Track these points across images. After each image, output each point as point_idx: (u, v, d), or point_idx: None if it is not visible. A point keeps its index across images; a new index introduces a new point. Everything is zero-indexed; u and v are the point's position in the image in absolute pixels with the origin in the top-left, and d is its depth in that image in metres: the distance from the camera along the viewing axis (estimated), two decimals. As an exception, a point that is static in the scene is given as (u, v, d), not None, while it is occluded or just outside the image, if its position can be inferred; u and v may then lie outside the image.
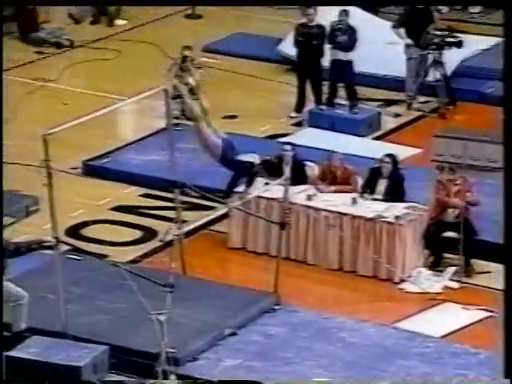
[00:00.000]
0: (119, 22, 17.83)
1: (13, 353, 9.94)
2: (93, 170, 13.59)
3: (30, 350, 9.95)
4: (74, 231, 12.33)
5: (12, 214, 12.28)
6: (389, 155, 12.19)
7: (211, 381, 9.77)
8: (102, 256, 11.85)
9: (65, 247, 11.25)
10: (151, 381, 9.75)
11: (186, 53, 15.06)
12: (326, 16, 15.02)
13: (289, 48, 15.51)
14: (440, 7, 17.44)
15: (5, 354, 9.93)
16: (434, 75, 15.03)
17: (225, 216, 12.07)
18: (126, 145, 14.02)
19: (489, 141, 11.45)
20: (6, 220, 11.89)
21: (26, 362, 9.86)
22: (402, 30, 15.39)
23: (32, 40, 16.99)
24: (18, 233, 11.88)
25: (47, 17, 17.62)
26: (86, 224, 12.51)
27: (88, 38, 17.22)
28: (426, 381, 9.88)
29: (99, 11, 17.85)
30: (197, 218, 11.60)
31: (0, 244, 10.15)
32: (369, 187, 12.08)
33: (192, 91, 14.92)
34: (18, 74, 16.08)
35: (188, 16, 18.18)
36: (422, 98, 15.30)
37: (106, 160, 13.72)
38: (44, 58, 16.66)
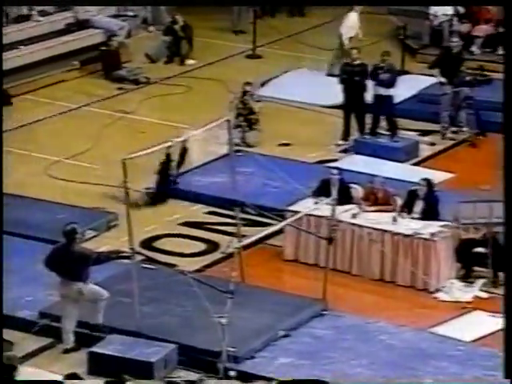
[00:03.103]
0: (189, 61, 17.89)
1: (94, 349, 9.97)
2: (165, 190, 13.59)
3: (109, 347, 9.98)
4: (148, 243, 12.33)
5: (95, 228, 12.33)
6: (425, 179, 12.06)
7: (270, 378, 9.69)
8: (172, 265, 11.83)
9: (139, 257, 11.27)
10: (213, 381, 9.70)
11: (247, 88, 15.06)
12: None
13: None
14: (472, 49, 17.29)
15: (88, 349, 9.97)
16: (465, 109, 14.91)
17: (280, 231, 11.99)
18: (194, 168, 14.02)
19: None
20: (90, 233, 11.95)
21: (105, 357, 9.89)
22: (436, 70, 15.33)
23: (114, 77, 17.11)
24: (100, 244, 11.93)
25: (128, 57, 17.74)
26: (158, 237, 12.51)
27: (162, 75, 17.30)
28: (452, 380, 9.70)
29: (172, 52, 17.95)
30: (255, 233, 11.54)
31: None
32: (407, 207, 11.94)
33: (251, 121, 14.96)
34: (101, 107, 16.20)
35: (249, 56, 18.19)
36: (454, 129, 15.16)
37: (176, 182, 13.71)
38: (124, 93, 16.75)
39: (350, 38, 16.55)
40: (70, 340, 10.21)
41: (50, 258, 10.36)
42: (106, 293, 10.25)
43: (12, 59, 16.64)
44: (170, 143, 10.71)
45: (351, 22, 16.65)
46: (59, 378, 9.34)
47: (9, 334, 10.46)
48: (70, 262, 10.19)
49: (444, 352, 10.25)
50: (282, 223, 11.57)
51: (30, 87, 16.55)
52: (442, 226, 11.64)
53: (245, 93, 14.99)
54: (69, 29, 17.84)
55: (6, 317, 10.61)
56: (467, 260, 11.62)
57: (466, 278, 11.57)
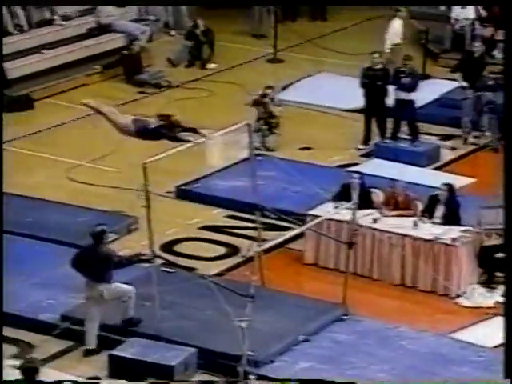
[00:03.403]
0: (210, 65, 17.90)
1: (115, 352, 9.98)
2: (185, 194, 13.60)
3: (129, 350, 9.98)
4: (168, 247, 12.33)
5: (116, 231, 12.34)
6: (446, 184, 11.99)
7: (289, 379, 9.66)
8: (192, 269, 11.82)
9: (160, 261, 11.27)
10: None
11: (268, 91, 15.05)
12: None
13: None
14: (495, 53, 17.20)
15: (109, 352, 9.99)
16: (487, 113, 14.83)
17: (300, 235, 11.96)
18: (214, 172, 14.02)
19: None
20: (111, 236, 11.97)
21: (126, 360, 9.89)
22: (458, 74, 15.27)
23: (135, 81, 17.14)
24: (120, 248, 11.94)
25: (149, 61, 17.78)
26: (178, 241, 12.51)
27: (183, 79, 17.32)
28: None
29: (193, 56, 17.96)
30: (275, 237, 11.51)
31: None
32: (428, 212, 11.88)
33: (271, 125, 14.94)
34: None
35: (270, 60, 18.18)
36: (476, 134, 15.08)
37: (196, 185, 13.73)
38: (145, 97, 16.78)
39: (394, 44, 16.45)
40: (92, 342, 10.24)
41: (77, 258, 10.41)
42: (133, 289, 10.27)
43: (34, 63, 16.73)
44: (189, 145, 10.70)
45: (395, 29, 16.58)
46: (80, 380, 9.35)
47: (30, 337, 10.49)
48: (96, 264, 10.24)
49: (465, 358, 10.18)
50: (303, 227, 11.54)
51: (51, 91, 16.61)
52: (463, 231, 11.57)
53: (265, 96, 14.97)
54: (91, 33, 17.91)
55: (28, 319, 10.66)
56: (489, 265, 11.54)
57: (488, 283, 11.49)
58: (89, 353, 10.24)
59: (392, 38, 16.48)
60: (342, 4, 18.68)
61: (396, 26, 16.62)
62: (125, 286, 10.33)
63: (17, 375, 8.17)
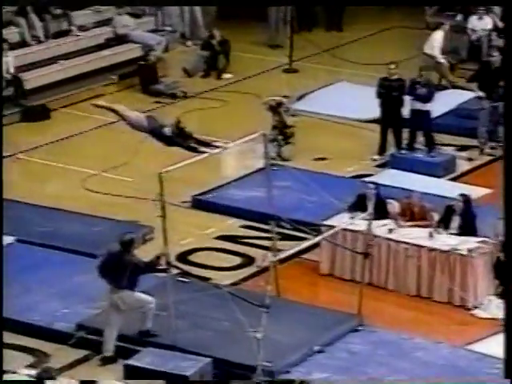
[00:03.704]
0: (226, 75, 17.93)
1: (130, 361, 9.98)
2: (200, 203, 13.61)
3: (144, 360, 9.97)
4: (183, 257, 12.33)
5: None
6: (462, 195, 11.94)
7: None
8: (207, 279, 11.81)
9: (175, 271, 11.27)
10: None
11: (283, 101, 15.05)
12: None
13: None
14: None
15: (124, 362, 9.98)
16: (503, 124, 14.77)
17: (315, 246, 11.94)
18: (229, 182, 14.02)
19: None
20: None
21: (141, 370, 9.88)
22: (475, 85, 15.23)
23: (151, 91, 17.19)
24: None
25: (165, 71, 17.83)
26: (193, 251, 12.50)
27: (199, 89, 17.35)
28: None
29: (209, 66, 18.00)
30: (290, 247, 11.49)
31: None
32: (444, 223, 11.83)
33: (286, 135, 14.92)
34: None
35: (286, 70, 18.19)
36: (492, 144, 15.02)
37: (211, 195, 13.73)
38: (161, 107, 16.82)
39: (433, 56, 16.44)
40: (110, 349, 10.24)
41: (103, 264, 10.45)
42: (153, 299, 10.27)
43: (51, 74, 16.80)
44: (205, 155, 10.71)
45: (437, 41, 16.56)
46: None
47: (45, 346, 10.50)
48: (121, 271, 10.24)
49: (481, 370, 10.11)
50: (318, 238, 11.51)
51: (68, 101, 16.67)
52: (479, 242, 11.52)
53: (280, 106, 14.98)
54: (107, 43, 17.98)
55: (43, 329, 10.68)
56: (506, 276, 11.46)
57: (505, 294, 11.40)
58: (106, 360, 10.25)
59: (433, 51, 16.45)
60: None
61: (438, 38, 16.59)
62: (146, 296, 10.32)
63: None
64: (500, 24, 17.90)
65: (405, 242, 11.58)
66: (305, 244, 11.40)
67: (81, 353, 10.48)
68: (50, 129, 15.93)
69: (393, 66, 14.89)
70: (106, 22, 18.28)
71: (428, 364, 10.18)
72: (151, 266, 10.31)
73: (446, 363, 10.19)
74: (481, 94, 15.05)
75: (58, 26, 17.66)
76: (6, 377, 9.24)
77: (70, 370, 10.26)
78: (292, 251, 11.35)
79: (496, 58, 15.58)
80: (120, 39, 18.08)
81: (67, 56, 17.26)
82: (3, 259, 10.71)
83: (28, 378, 9.02)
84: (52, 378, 9.00)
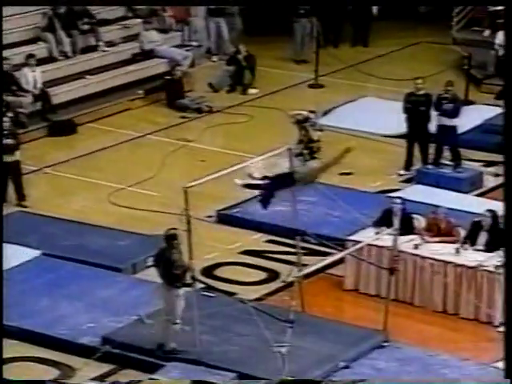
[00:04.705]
0: (252, 90, 17.96)
1: (156, 376, 9.96)
2: (225, 218, 13.60)
3: (169, 374, 9.95)
4: (208, 271, 12.32)
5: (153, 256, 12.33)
6: (489, 210, 11.86)
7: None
8: (232, 294, 11.79)
9: (200, 285, 11.25)
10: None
11: (310, 115, 15.03)
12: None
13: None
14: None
15: (149, 376, 9.96)
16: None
17: (340, 261, 11.89)
18: (254, 197, 13.99)
19: None
20: (151, 260, 11.96)
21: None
22: (502, 101, 15.10)
23: (177, 106, 17.25)
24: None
25: (191, 86, 17.89)
26: (218, 265, 12.50)
27: (225, 104, 17.39)
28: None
29: (235, 81, 18.05)
30: (315, 262, 11.45)
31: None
32: (470, 239, 11.75)
33: (312, 150, 14.90)
34: (164, 135, 16.32)
35: (311, 86, 18.19)
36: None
37: (236, 210, 13.73)
38: (187, 121, 16.87)
39: None
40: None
41: (155, 257, 10.59)
42: (179, 319, 10.23)
43: (79, 89, 16.91)
44: (231, 170, 10.71)
45: None
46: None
47: (71, 360, 10.51)
48: (164, 265, 10.27)
49: (508, 387, 9.99)
50: (343, 253, 11.46)
51: (95, 116, 16.77)
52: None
53: (306, 120, 14.97)
54: (134, 59, 18.07)
55: (69, 342, 10.69)
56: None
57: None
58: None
59: None
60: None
61: None
62: (178, 308, 10.26)
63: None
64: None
65: (431, 258, 11.51)
66: (330, 259, 11.35)
67: (106, 367, 10.48)
68: (77, 143, 16.02)
69: (419, 81, 14.84)
70: (133, 38, 18.38)
71: (455, 381, 10.08)
72: (183, 270, 10.25)
73: (474, 380, 10.09)
74: (508, 109, 14.95)
75: (86, 42, 17.77)
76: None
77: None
78: (317, 266, 11.30)
79: (523, 73, 15.46)
80: (146, 54, 18.17)
81: (94, 71, 17.36)
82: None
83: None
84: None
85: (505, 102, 8.10)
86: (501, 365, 10.34)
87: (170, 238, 10.34)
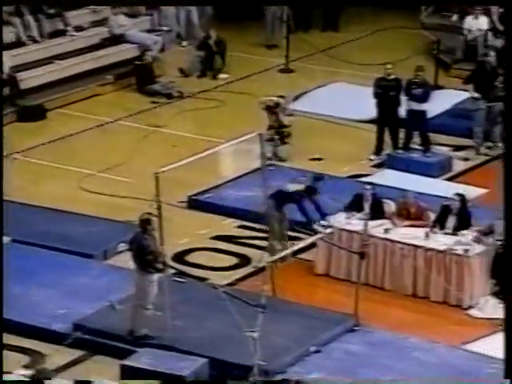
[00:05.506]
0: (222, 75, 17.92)
1: (127, 361, 9.96)
2: (196, 204, 13.60)
3: (141, 360, 9.96)
4: (180, 257, 12.32)
5: (127, 241, 12.32)
6: (458, 194, 11.95)
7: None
8: (203, 279, 11.81)
9: (171, 271, 11.25)
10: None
11: (280, 101, 15.04)
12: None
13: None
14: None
15: (120, 362, 9.97)
16: (499, 124, 14.78)
17: (312, 246, 11.93)
18: (226, 182, 14.01)
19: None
20: (123, 246, 11.96)
21: (137, 370, 9.87)
22: (470, 85, 15.23)
23: (147, 91, 17.18)
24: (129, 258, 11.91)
25: (161, 71, 17.82)
26: (190, 251, 12.50)
27: (195, 89, 17.34)
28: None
29: (205, 67, 18.00)
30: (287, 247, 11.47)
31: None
32: (439, 223, 11.83)
33: (283, 135, 14.90)
34: (134, 121, 16.26)
35: (282, 70, 18.19)
36: (488, 144, 15.03)
37: (208, 195, 13.73)
38: (157, 107, 16.81)
39: None
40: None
41: (130, 241, 10.58)
42: (151, 305, 10.22)
43: (47, 74, 16.78)
44: (202, 155, 10.70)
45: None
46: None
47: (42, 347, 10.49)
48: (136, 250, 10.29)
49: (478, 369, 10.11)
50: (314, 237, 11.50)
51: (64, 101, 16.66)
52: (475, 242, 11.51)
53: (277, 106, 14.97)
54: (103, 43, 17.96)
55: (40, 329, 10.66)
56: (502, 276, 11.47)
57: (501, 294, 11.42)
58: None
59: None
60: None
61: None
62: (151, 293, 10.22)
63: None
64: (497, 24, 17.90)
65: (401, 242, 11.58)
66: (301, 244, 11.38)
67: (77, 353, 10.46)
68: (46, 129, 15.91)
69: (389, 66, 14.89)
70: (102, 22, 18.26)
71: (424, 364, 10.18)
72: (156, 255, 10.23)
73: (443, 363, 10.19)
74: (476, 94, 15.06)
75: (54, 26, 17.64)
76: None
77: (66, 370, 10.24)
78: (288, 251, 11.33)
79: (492, 58, 15.58)
80: (116, 39, 18.07)
81: (63, 56, 17.24)
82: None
83: (25, 379, 9.01)
84: (47, 378, 8.99)
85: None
86: (470, 347, 10.47)
87: (144, 222, 10.32)
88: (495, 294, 11.42)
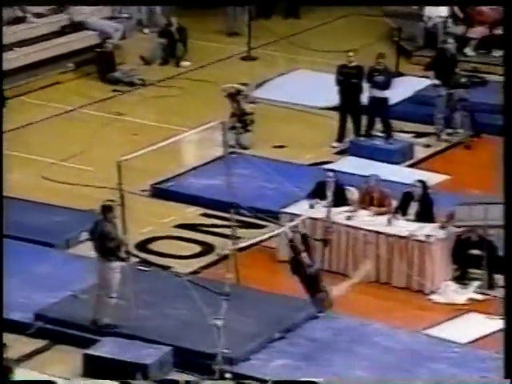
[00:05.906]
0: (184, 63, 17.86)
1: (89, 351, 9.94)
2: (159, 192, 13.57)
3: (104, 349, 9.94)
4: (143, 245, 12.30)
5: (89, 230, 12.27)
6: (420, 181, 12.05)
7: (265, 380, 9.66)
8: (167, 268, 11.80)
9: (135, 259, 11.22)
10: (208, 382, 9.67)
11: (242, 88, 15.03)
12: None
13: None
14: (467, 51, 17.30)
15: (83, 351, 9.94)
16: (460, 111, 14.91)
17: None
18: (188, 171, 14.00)
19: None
20: (85, 235, 11.90)
21: (100, 359, 9.85)
22: (431, 72, 15.34)
23: (109, 79, 17.08)
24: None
25: (123, 59, 17.71)
26: (153, 239, 12.48)
27: (157, 77, 17.28)
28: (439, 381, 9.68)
29: (167, 54, 17.92)
30: (250, 235, 11.50)
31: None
32: (402, 209, 11.93)
33: (245, 123, 14.90)
34: (96, 109, 16.17)
35: (244, 58, 18.17)
36: (449, 131, 15.15)
37: (170, 184, 13.70)
38: (119, 95, 16.72)
39: None
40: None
41: (91, 229, 10.49)
42: (115, 293, 10.19)
43: (7, 61, 16.58)
44: (164, 144, 10.68)
45: None
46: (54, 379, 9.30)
47: (3, 337, 10.42)
48: (98, 237, 10.24)
49: (439, 354, 10.23)
50: (281, 229, 11.52)
51: (24, 89, 16.51)
52: (436, 228, 11.62)
53: (238, 93, 14.97)
54: (64, 31, 17.81)
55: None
56: (463, 262, 11.60)
57: (461, 279, 11.56)
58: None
59: None
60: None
61: None
62: (114, 281, 10.18)
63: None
64: (457, 11, 18.01)
65: (363, 229, 11.66)
66: (267, 234, 11.41)
67: (39, 342, 10.42)
68: (7, 117, 15.75)
69: (351, 54, 14.94)
70: (62, 9, 18.10)
71: (387, 349, 10.28)
72: (117, 243, 10.19)
73: (405, 348, 10.29)
74: (437, 81, 15.17)
75: (13, 13, 17.44)
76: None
77: (28, 360, 10.19)
78: (252, 241, 11.35)
79: (451, 45, 15.70)
80: (76, 26, 17.92)
81: (23, 43, 17.07)
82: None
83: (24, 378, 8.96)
84: (10, 368, 8.94)
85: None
86: (431, 332, 10.58)
87: (106, 209, 10.28)
88: (456, 279, 11.56)
